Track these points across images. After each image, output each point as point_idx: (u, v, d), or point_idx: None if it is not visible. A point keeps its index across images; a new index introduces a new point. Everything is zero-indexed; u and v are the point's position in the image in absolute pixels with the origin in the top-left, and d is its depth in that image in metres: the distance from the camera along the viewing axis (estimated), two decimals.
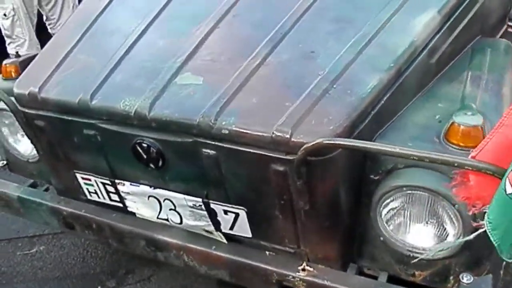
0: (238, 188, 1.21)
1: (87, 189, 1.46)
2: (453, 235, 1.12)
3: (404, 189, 1.12)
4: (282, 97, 1.14)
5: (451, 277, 1.20)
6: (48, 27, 3.29)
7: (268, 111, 1.12)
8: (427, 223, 1.16)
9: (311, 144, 0.99)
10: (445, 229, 1.14)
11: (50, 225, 1.68)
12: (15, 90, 1.41)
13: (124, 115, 1.24)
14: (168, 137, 1.21)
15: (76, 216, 1.53)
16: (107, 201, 1.45)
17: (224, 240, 1.34)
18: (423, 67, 1.28)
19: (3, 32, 3.07)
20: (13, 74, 1.66)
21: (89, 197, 1.48)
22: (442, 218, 1.13)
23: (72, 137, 1.38)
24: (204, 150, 1.18)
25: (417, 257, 1.13)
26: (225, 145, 1.14)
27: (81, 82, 1.34)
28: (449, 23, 1.34)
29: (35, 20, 3.17)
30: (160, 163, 1.26)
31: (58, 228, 1.67)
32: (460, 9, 1.37)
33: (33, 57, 1.59)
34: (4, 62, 1.70)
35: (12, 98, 1.42)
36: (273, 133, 1.08)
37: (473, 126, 1.09)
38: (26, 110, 1.40)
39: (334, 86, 1.14)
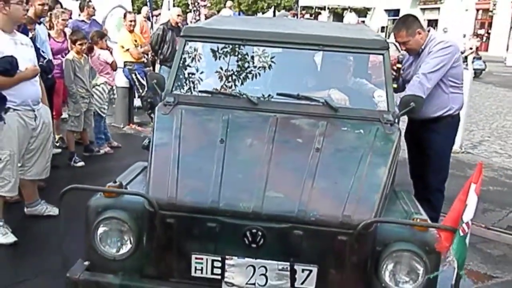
0: (314, 253, 2.10)
1: (196, 266, 2.14)
2: (421, 277, 2.16)
3: (397, 252, 2.14)
4: (336, 198, 2.16)
5: None
6: None
7: (332, 207, 2.12)
8: (408, 273, 2.18)
9: (369, 222, 2.01)
10: (417, 273, 2.16)
11: None
12: (153, 199, 2.13)
13: (244, 213, 2.09)
14: (272, 225, 2.09)
15: None
16: (207, 275, 2.15)
17: None
18: (388, 191, 2.43)
19: None
20: (113, 194, 2.34)
21: (193, 273, 2.15)
22: (416, 266, 2.16)
23: (195, 229, 2.13)
24: (295, 231, 2.08)
25: None
26: (310, 227, 2.07)
27: (202, 193, 2.17)
28: (391, 173, 2.55)
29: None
30: (261, 242, 2.09)
31: None
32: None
33: None
34: (108, 184, 2.37)
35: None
36: (341, 218, 2.06)
37: (424, 218, 2.23)
38: (163, 212, 2.12)
39: (361, 195, 2.20)
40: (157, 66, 8.70)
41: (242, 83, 3.26)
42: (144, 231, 2.22)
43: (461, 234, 1.92)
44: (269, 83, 3.34)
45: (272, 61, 3.45)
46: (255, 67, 3.35)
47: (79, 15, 7.40)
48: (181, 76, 3.27)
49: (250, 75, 3.31)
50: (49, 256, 3.40)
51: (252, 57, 3.34)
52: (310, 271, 2.12)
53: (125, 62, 6.96)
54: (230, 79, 3.30)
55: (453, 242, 1.99)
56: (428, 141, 3.59)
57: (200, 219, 2.13)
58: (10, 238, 3.53)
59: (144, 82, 7.05)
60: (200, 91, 3.23)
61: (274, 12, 19.60)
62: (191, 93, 3.24)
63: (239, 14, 19.24)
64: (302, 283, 2.13)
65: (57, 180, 4.48)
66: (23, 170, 3.73)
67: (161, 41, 7.94)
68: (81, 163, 5.45)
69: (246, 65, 3.32)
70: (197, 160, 2.46)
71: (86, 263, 2.31)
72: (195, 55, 3.36)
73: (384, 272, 2.16)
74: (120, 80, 7.03)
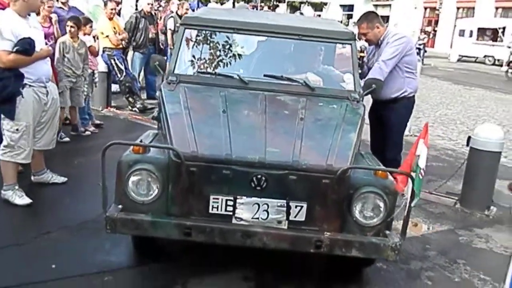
0: (305, 193, 2.75)
1: (212, 205, 2.75)
2: (382, 212, 2.85)
3: (364, 194, 2.83)
4: (320, 152, 2.82)
5: (380, 234, 2.89)
6: None
7: (318, 158, 2.78)
8: (372, 209, 2.87)
9: (346, 168, 2.69)
10: (379, 210, 2.86)
11: (170, 236, 2.79)
12: (180, 152, 2.70)
13: (251, 162, 2.71)
14: (273, 172, 2.72)
15: (195, 226, 2.75)
16: (221, 212, 2.75)
17: (286, 226, 2.79)
18: (357, 150, 3.12)
19: (8, 143, 3.88)
20: (140, 151, 2.89)
21: (210, 211, 2.75)
22: (378, 204, 2.85)
23: (213, 175, 2.73)
24: (290, 176, 2.72)
25: (370, 225, 2.83)
26: (302, 173, 2.72)
27: (217, 148, 2.77)
28: (359, 137, 3.24)
29: None
30: (264, 185, 2.72)
31: (177, 237, 2.78)
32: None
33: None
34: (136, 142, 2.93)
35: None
36: (325, 166, 2.73)
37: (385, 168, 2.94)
38: (188, 162, 2.71)
39: (338, 150, 2.87)
40: (130, 52, 9.10)
41: (233, 66, 3.87)
42: (169, 179, 2.79)
43: (420, 177, 2.62)
44: (256, 66, 3.96)
45: (258, 48, 4.08)
46: (243, 52, 3.96)
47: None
48: (181, 59, 3.83)
49: (239, 59, 3.92)
50: (64, 214, 3.91)
51: (241, 44, 3.94)
52: (302, 206, 2.77)
53: (104, 48, 7.35)
54: (223, 61, 3.90)
55: (407, 183, 2.69)
56: (387, 118, 4.34)
57: (217, 168, 2.73)
58: (26, 200, 3.99)
59: (123, 67, 7.48)
60: (198, 72, 3.80)
61: (233, 3, 19.96)
62: (190, 73, 3.80)
63: (197, 4, 19.54)
64: (295, 216, 2.78)
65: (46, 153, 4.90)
66: (33, 141, 4.17)
67: (134, 29, 8.36)
68: (67, 139, 5.87)
69: (236, 50, 3.92)
70: (207, 125, 3.05)
71: (120, 206, 2.85)
72: (193, 41, 3.93)
73: (355, 209, 2.84)
74: (99, 65, 7.41)
